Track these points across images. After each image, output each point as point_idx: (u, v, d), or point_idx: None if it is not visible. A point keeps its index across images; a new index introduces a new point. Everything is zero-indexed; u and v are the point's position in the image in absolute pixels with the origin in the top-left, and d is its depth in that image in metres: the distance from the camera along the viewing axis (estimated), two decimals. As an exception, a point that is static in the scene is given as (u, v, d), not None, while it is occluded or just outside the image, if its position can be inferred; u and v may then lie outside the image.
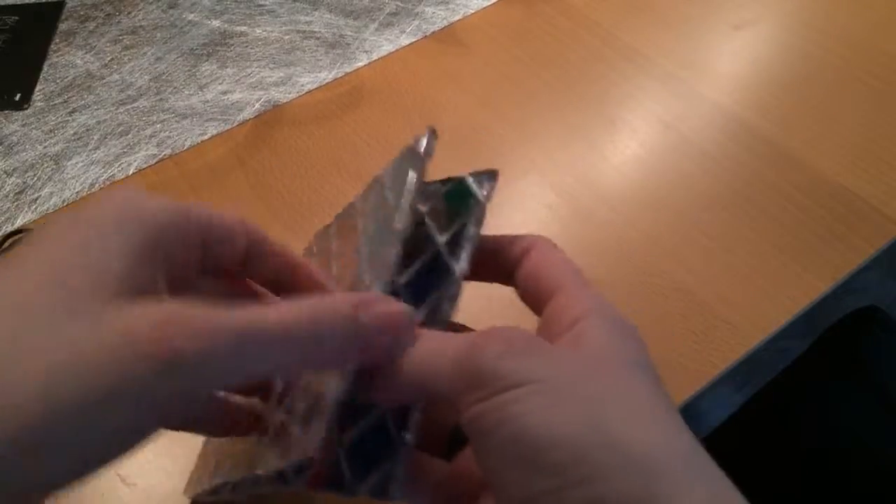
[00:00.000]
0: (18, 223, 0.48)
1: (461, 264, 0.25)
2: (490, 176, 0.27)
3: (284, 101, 0.55)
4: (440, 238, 0.26)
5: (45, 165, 0.51)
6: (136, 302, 0.18)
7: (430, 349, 0.22)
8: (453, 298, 0.25)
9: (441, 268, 0.25)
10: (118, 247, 0.19)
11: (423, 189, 0.28)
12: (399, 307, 0.22)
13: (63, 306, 0.17)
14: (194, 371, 0.17)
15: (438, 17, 0.61)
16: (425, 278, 0.25)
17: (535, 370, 0.21)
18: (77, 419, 0.16)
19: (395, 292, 0.25)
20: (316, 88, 0.56)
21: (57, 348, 0.16)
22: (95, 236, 0.18)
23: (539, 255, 0.25)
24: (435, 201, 0.28)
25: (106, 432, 0.17)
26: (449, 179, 0.28)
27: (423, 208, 0.28)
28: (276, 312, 0.19)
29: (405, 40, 0.60)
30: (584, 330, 0.23)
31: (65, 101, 0.56)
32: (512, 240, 0.26)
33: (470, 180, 0.27)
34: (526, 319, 0.29)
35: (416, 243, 0.27)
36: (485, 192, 0.27)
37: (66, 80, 0.58)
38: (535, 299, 0.25)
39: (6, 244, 0.46)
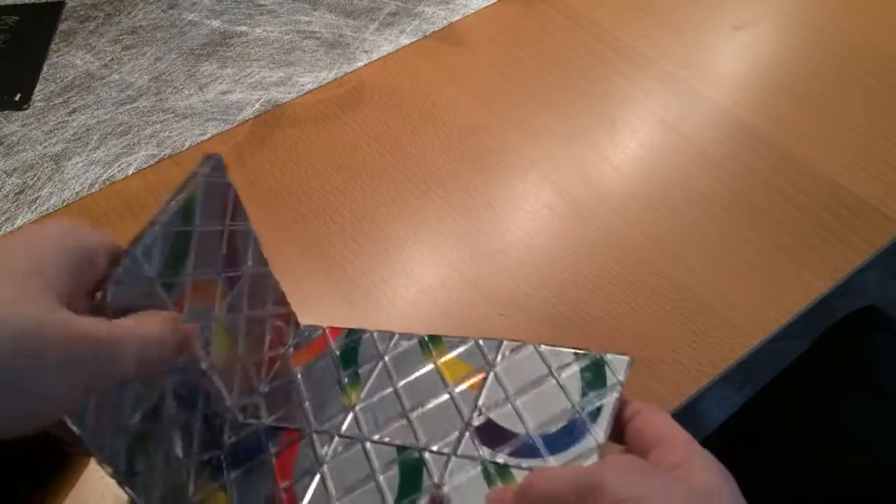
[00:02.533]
0: (18, 223, 0.48)
1: (599, 435, 0.29)
2: (628, 363, 0.31)
3: (284, 101, 0.55)
4: (574, 398, 0.31)
5: (45, 165, 0.51)
6: (65, 308, 0.24)
7: (552, 474, 0.26)
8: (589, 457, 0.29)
9: (578, 429, 0.30)
10: (63, 264, 0.26)
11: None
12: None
13: (24, 295, 0.23)
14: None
15: (438, 17, 0.61)
16: (561, 434, 0.30)
17: (649, 486, 0.24)
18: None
19: (529, 442, 0.30)
20: (316, 88, 0.56)
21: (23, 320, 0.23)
22: (48, 254, 0.25)
23: (646, 416, 0.29)
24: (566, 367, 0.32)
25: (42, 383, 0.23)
26: (581, 351, 0.32)
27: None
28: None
29: (405, 40, 0.60)
30: (692, 470, 0.26)
31: (65, 101, 0.56)
32: (623, 405, 0.31)
33: (604, 361, 0.32)
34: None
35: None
36: (622, 377, 0.31)
37: (66, 80, 0.58)
38: (640, 447, 0.28)
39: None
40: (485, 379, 0.33)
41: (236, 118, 0.54)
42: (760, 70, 0.56)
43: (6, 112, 0.55)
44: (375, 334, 0.37)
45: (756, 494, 0.30)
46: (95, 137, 0.53)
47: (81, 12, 0.64)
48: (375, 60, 0.58)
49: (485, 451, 0.30)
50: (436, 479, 0.30)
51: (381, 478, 0.31)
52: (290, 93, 0.56)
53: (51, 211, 0.48)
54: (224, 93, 0.56)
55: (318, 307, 0.43)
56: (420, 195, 0.48)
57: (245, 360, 0.35)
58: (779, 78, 0.55)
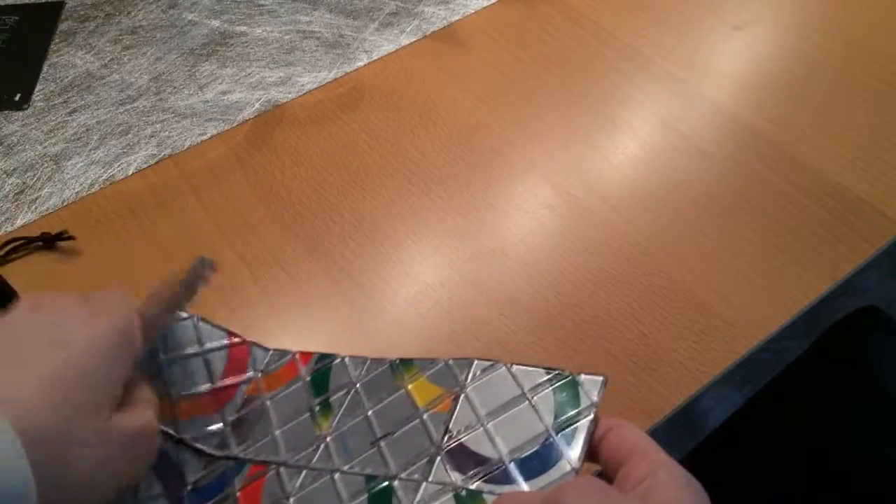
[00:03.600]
0: (18, 223, 0.48)
1: (574, 460, 0.29)
2: (602, 383, 0.31)
3: (284, 101, 0.55)
4: (547, 421, 0.30)
5: (45, 165, 0.51)
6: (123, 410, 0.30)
7: (518, 499, 0.27)
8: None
9: (552, 453, 0.29)
10: (118, 374, 0.30)
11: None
12: None
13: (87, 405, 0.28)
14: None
15: (438, 17, 0.61)
16: (534, 458, 0.29)
17: None
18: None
19: (503, 467, 0.29)
20: (316, 88, 0.56)
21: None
22: (106, 363, 0.29)
23: (618, 431, 0.29)
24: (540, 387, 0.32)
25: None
26: (554, 371, 0.32)
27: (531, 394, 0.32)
28: None
29: (405, 40, 0.60)
30: (653, 485, 0.26)
31: (65, 101, 0.56)
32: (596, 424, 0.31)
33: (577, 381, 0.31)
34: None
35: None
36: (596, 398, 0.30)
37: (66, 80, 0.58)
38: (613, 464, 0.28)
39: (7, 248, 0.46)
40: (455, 400, 0.32)
41: (236, 118, 0.54)
42: (760, 70, 0.56)
43: (6, 112, 0.55)
44: (347, 359, 0.36)
45: (756, 494, 0.30)
46: (95, 137, 0.53)
47: (81, 12, 0.64)
48: (375, 60, 0.58)
49: (457, 477, 0.30)
50: None
51: None
52: (290, 93, 0.56)
53: (51, 211, 0.48)
54: (224, 93, 0.56)
55: (318, 307, 0.43)
56: (420, 195, 0.48)
57: (188, 399, 0.35)
58: (779, 78, 0.55)
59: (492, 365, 0.33)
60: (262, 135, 0.53)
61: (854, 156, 0.49)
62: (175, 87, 0.57)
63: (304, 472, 0.32)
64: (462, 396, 0.32)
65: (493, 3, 0.62)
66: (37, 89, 0.57)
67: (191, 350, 0.36)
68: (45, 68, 0.59)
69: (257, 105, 0.55)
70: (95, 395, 0.28)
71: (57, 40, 0.61)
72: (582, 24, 0.60)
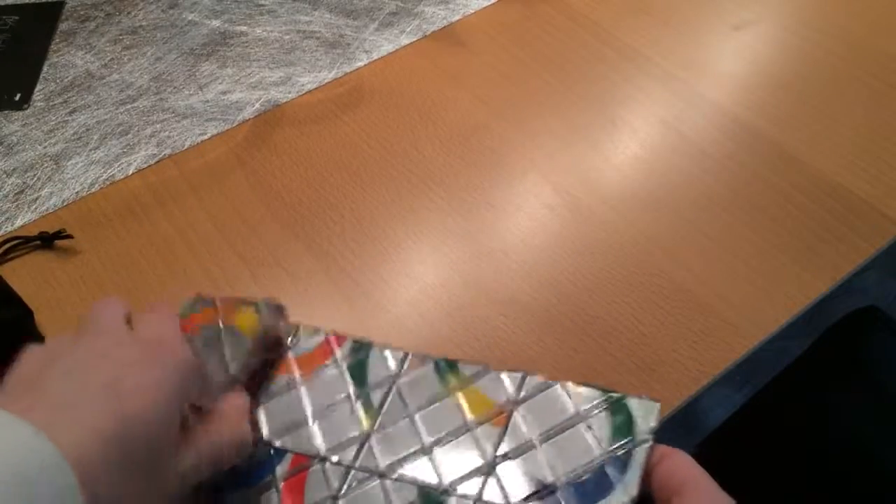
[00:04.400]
0: (18, 223, 0.48)
1: (630, 488, 0.28)
2: (658, 408, 0.31)
3: (284, 100, 0.55)
4: (600, 449, 0.30)
5: (45, 165, 0.51)
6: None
7: None
8: None
9: (607, 479, 0.29)
10: (174, 418, 0.28)
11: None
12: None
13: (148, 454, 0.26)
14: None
15: (438, 17, 0.61)
16: (589, 483, 0.29)
17: None
18: None
19: (556, 491, 0.29)
20: (316, 88, 0.56)
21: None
22: (165, 407, 0.27)
23: (672, 460, 0.29)
24: (591, 409, 0.32)
25: None
26: (609, 393, 0.32)
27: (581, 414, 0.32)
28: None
29: (405, 40, 0.60)
30: None
31: (65, 101, 0.56)
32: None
33: (633, 406, 0.31)
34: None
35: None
36: (654, 424, 0.30)
37: (66, 80, 0.58)
38: (664, 493, 0.28)
39: (5, 247, 0.46)
40: (508, 417, 0.32)
41: (236, 118, 0.54)
42: (760, 70, 0.56)
43: (6, 112, 0.55)
44: (386, 351, 0.35)
45: (756, 494, 0.30)
46: (95, 137, 0.53)
47: (81, 12, 0.64)
48: (375, 60, 0.58)
49: (510, 498, 0.29)
50: None
51: None
52: (290, 93, 0.56)
53: (51, 211, 0.48)
54: (224, 93, 0.56)
55: (318, 307, 0.43)
56: (420, 195, 0.48)
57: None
58: (779, 78, 0.55)
59: (546, 383, 0.32)
60: (262, 135, 0.53)
61: (854, 156, 0.49)
62: (175, 87, 0.57)
63: (352, 472, 0.32)
64: (516, 414, 0.32)
65: (493, 3, 0.62)
66: (37, 89, 0.57)
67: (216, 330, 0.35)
68: (45, 68, 0.59)
69: (257, 105, 0.55)
70: (152, 453, 0.26)
71: (57, 40, 0.61)
72: (582, 24, 0.60)
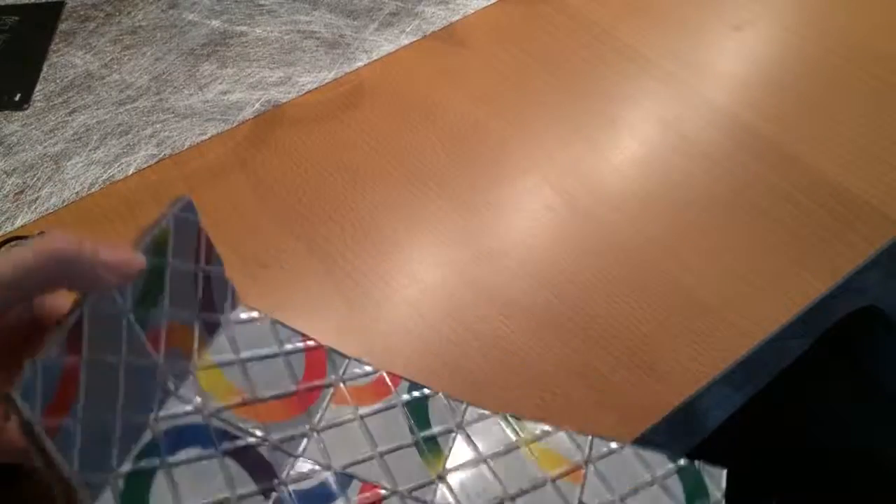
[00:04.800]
0: (18, 223, 0.48)
1: None
2: (726, 475, 0.33)
3: (284, 101, 0.55)
4: None
5: (45, 165, 0.51)
6: None
7: None
8: None
9: None
10: None
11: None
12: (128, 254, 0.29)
13: None
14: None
15: (438, 17, 0.61)
16: None
17: None
18: None
19: None
20: (316, 88, 0.56)
21: None
22: None
23: None
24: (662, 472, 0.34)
25: None
26: (677, 459, 0.34)
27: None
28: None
29: (405, 40, 0.60)
30: None
31: (65, 101, 0.56)
32: None
33: (703, 471, 0.33)
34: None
35: None
36: (723, 487, 0.32)
37: (66, 80, 0.58)
38: None
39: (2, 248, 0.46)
40: (584, 476, 0.33)
41: (236, 118, 0.54)
42: (760, 70, 0.56)
43: (6, 112, 0.55)
44: (443, 395, 0.36)
45: (756, 494, 0.30)
46: (95, 137, 0.53)
47: (81, 12, 0.64)
48: (375, 60, 0.58)
49: None
50: None
51: None
52: (290, 93, 0.56)
53: (51, 211, 0.48)
54: (224, 93, 0.56)
55: (318, 307, 0.43)
56: (420, 195, 0.48)
57: (275, 400, 0.34)
58: (779, 78, 0.55)
59: (615, 444, 0.34)
60: (262, 135, 0.53)
61: (854, 156, 0.49)
62: (175, 87, 0.57)
63: None
64: (591, 471, 0.33)
65: (493, 3, 0.62)
66: (37, 89, 0.57)
67: (270, 350, 0.35)
68: (45, 68, 0.59)
69: (257, 105, 0.55)
70: None
71: (57, 40, 0.61)
72: (582, 24, 0.60)
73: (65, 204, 0.49)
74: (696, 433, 0.57)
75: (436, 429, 0.35)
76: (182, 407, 0.32)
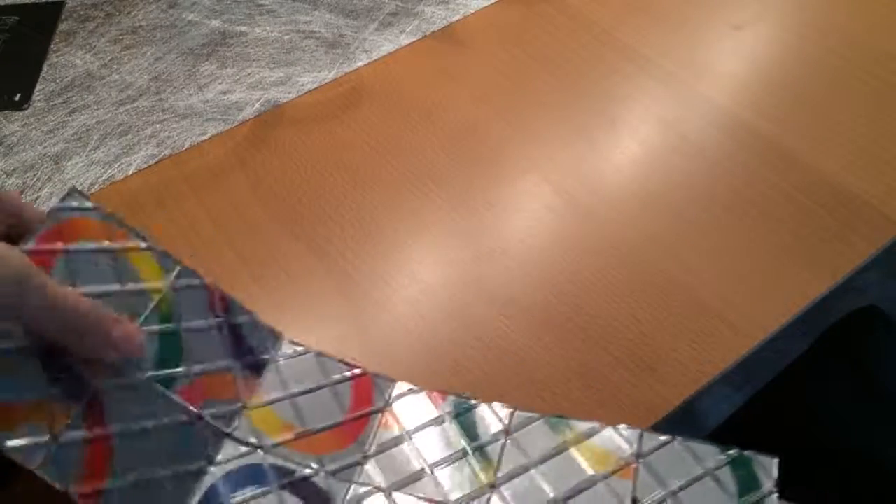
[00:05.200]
0: (18, 223, 0.48)
1: None
2: (778, 464, 0.33)
3: (284, 101, 0.55)
4: (733, 502, 0.32)
5: (45, 165, 0.51)
6: None
7: None
8: None
9: None
10: None
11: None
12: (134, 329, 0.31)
13: None
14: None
15: (438, 17, 0.61)
16: None
17: None
18: None
19: None
20: (316, 88, 0.56)
21: None
22: None
23: None
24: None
25: None
26: (728, 449, 0.34)
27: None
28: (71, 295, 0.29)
29: (405, 40, 0.60)
30: None
31: (65, 101, 0.56)
32: None
33: (754, 460, 0.33)
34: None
35: None
36: (775, 476, 0.32)
37: (66, 80, 0.58)
38: None
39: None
40: (635, 471, 0.33)
41: (236, 118, 0.54)
42: (760, 70, 0.56)
43: (6, 112, 0.55)
44: (492, 407, 0.36)
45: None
46: (95, 137, 0.53)
47: (81, 12, 0.64)
48: (375, 60, 0.58)
49: None
50: None
51: None
52: (290, 93, 0.56)
53: (51, 211, 0.48)
54: (224, 93, 0.56)
55: (318, 307, 0.43)
56: (420, 195, 0.48)
57: (326, 432, 0.35)
58: (779, 78, 0.55)
59: (664, 439, 0.34)
60: (262, 135, 0.53)
61: (854, 156, 0.49)
62: (175, 87, 0.57)
63: None
64: (641, 467, 0.33)
65: (493, 3, 0.62)
66: (37, 89, 0.57)
67: (317, 382, 0.37)
68: (45, 68, 0.59)
69: (257, 105, 0.55)
70: None
71: (57, 40, 0.61)
72: (582, 23, 0.60)
73: (65, 204, 0.49)
74: (696, 433, 0.57)
75: (484, 438, 0.35)
76: (238, 449, 0.33)
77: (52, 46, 0.61)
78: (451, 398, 0.37)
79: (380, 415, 0.36)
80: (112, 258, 0.34)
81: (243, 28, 0.62)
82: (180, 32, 0.62)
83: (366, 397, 0.37)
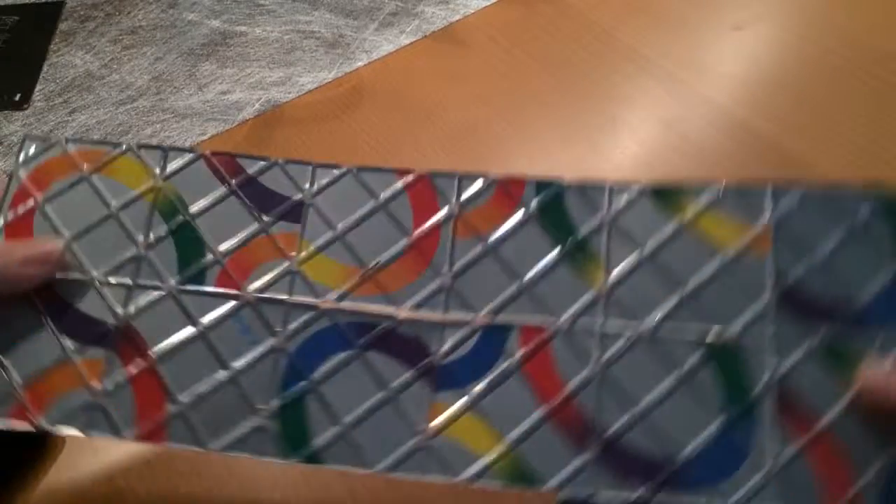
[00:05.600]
0: (18, 223, 0.48)
1: None
2: None
3: (284, 101, 0.55)
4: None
5: (45, 165, 0.51)
6: None
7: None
8: None
9: None
10: None
11: None
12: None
13: None
14: None
15: (438, 17, 0.61)
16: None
17: None
18: None
19: (870, 307, 0.25)
20: (316, 88, 0.56)
21: None
22: None
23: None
24: None
25: None
26: (874, 191, 0.26)
27: None
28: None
29: (405, 40, 0.60)
30: None
31: (65, 101, 0.56)
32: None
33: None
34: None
35: None
36: None
37: (66, 80, 0.58)
38: None
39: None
40: (774, 234, 0.26)
41: (236, 118, 0.54)
42: (761, 70, 0.56)
43: (6, 112, 0.55)
44: (583, 187, 0.28)
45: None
46: (95, 137, 0.53)
47: (81, 12, 0.64)
48: (375, 60, 0.58)
49: (810, 328, 0.25)
50: (769, 376, 0.24)
51: (694, 381, 0.25)
52: (290, 93, 0.56)
53: (51, 211, 0.48)
54: (224, 93, 0.56)
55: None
56: (420, 195, 0.48)
57: (389, 266, 0.28)
58: (779, 78, 0.55)
59: (798, 189, 0.26)
60: (262, 135, 0.53)
61: (854, 156, 0.49)
62: (175, 87, 0.57)
63: (600, 335, 0.26)
64: (780, 231, 0.26)
65: (493, 3, 0.62)
66: (37, 89, 0.57)
67: (366, 207, 0.29)
68: (45, 68, 0.59)
69: (257, 105, 0.55)
70: None
71: (57, 40, 0.61)
72: (582, 24, 0.60)
73: (65, 204, 0.49)
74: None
75: (581, 229, 0.28)
76: (303, 315, 0.28)
77: (52, 46, 0.61)
78: (532, 185, 0.29)
79: (451, 223, 0.29)
80: (88, 185, 0.30)
81: (243, 28, 0.62)
82: (180, 32, 0.62)
83: (429, 206, 0.29)
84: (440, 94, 0.55)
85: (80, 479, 0.37)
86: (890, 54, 0.56)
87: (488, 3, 0.62)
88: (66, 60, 0.60)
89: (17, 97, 0.56)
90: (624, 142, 0.51)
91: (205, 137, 0.53)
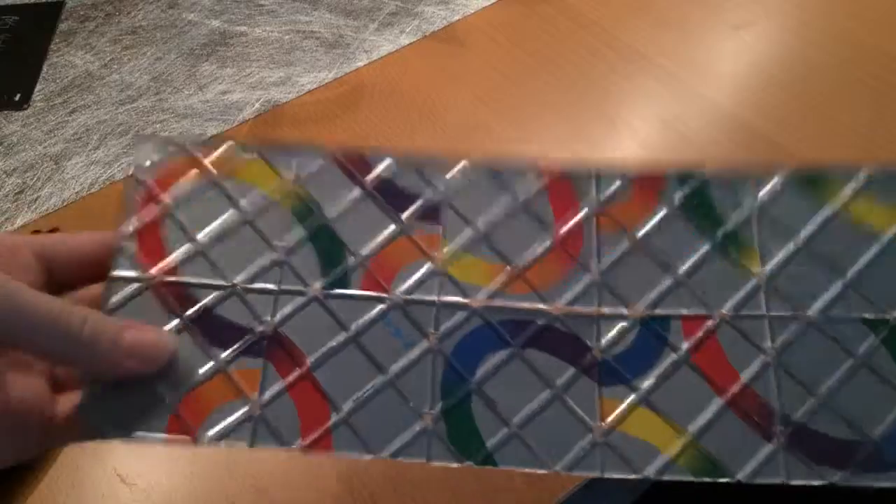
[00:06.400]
0: (18, 223, 0.48)
1: None
2: None
3: (284, 101, 0.55)
4: None
5: (45, 165, 0.51)
6: None
7: None
8: None
9: None
10: None
11: None
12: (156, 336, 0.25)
13: None
14: None
15: (438, 17, 0.61)
16: None
17: None
18: None
19: None
20: (316, 88, 0.56)
21: None
22: None
23: None
24: None
25: None
26: None
27: None
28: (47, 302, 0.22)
29: (405, 40, 0.60)
30: None
31: (64, 101, 0.56)
32: None
33: None
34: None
35: None
36: None
37: (65, 80, 0.58)
38: None
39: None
40: None
41: (236, 118, 0.54)
42: (760, 70, 0.56)
43: (6, 112, 0.55)
44: (725, 176, 0.28)
45: (756, 493, 0.29)
46: (95, 137, 0.53)
47: (81, 12, 0.64)
48: (375, 60, 0.58)
49: None
50: None
51: (871, 364, 0.25)
52: (289, 93, 0.56)
53: (51, 211, 0.48)
54: (224, 93, 0.56)
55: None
56: (420, 195, 0.48)
57: (535, 265, 0.28)
58: (779, 78, 0.55)
59: None
60: (262, 135, 0.53)
61: (854, 156, 0.49)
62: (175, 87, 0.57)
63: (791, 324, 0.26)
64: None
65: (493, 3, 0.62)
66: (37, 89, 0.57)
67: (504, 203, 0.29)
68: (45, 68, 0.59)
69: (257, 105, 0.55)
70: None
71: (57, 40, 0.61)
72: (582, 24, 0.60)
73: (65, 204, 0.49)
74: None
75: (729, 217, 0.27)
76: (455, 316, 0.27)
77: (52, 46, 0.61)
78: (674, 177, 0.28)
79: (594, 220, 0.28)
80: (218, 187, 0.28)
81: (243, 28, 0.62)
82: (180, 32, 0.62)
83: (569, 201, 0.29)
84: (440, 94, 0.55)
85: (81, 479, 0.37)
86: (890, 54, 0.56)
87: (488, 3, 0.62)
88: (66, 60, 0.60)
89: (17, 97, 0.56)
90: (624, 141, 0.51)
91: (204, 138, 0.53)
